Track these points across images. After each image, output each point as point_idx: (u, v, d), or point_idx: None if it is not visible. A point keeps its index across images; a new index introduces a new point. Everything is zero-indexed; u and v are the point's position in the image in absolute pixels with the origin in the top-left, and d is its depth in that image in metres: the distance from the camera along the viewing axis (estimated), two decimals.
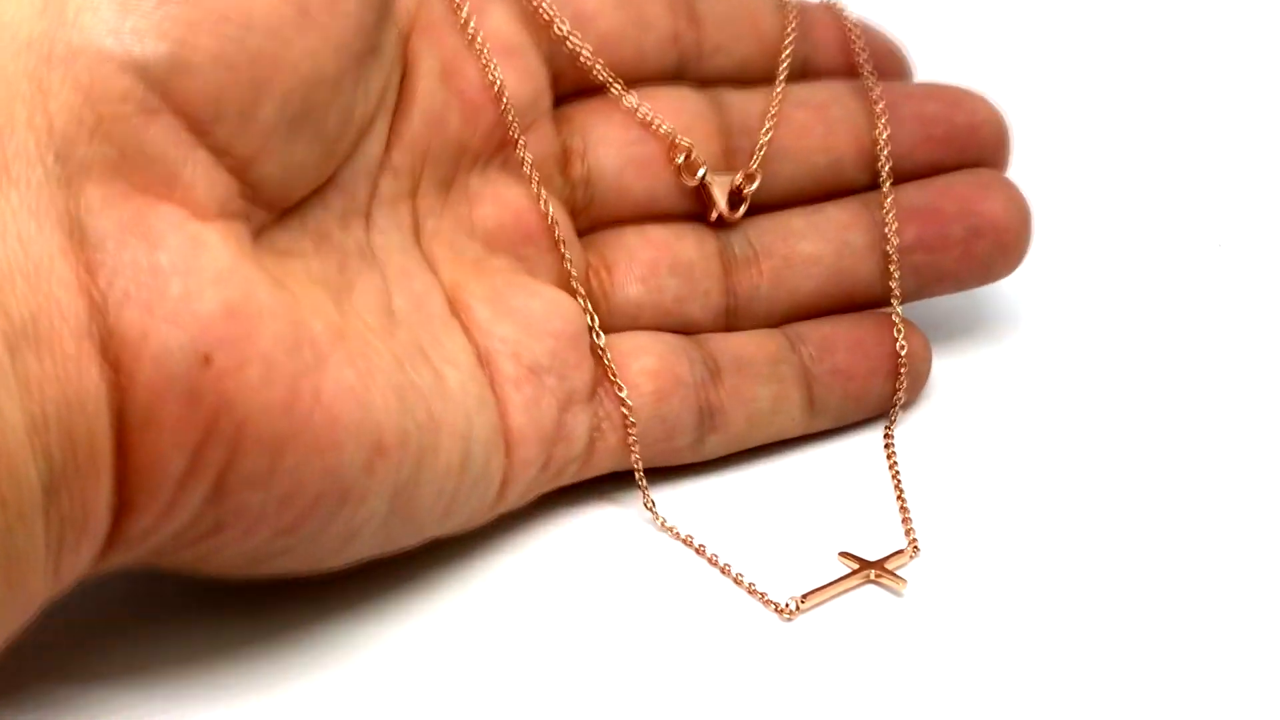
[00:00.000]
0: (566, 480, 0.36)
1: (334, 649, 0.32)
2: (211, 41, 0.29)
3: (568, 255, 0.37)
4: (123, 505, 0.28)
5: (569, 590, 0.34)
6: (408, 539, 0.33)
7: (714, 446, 0.38)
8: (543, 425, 0.35)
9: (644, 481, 0.36)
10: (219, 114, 0.29)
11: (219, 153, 0.30)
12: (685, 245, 0.38)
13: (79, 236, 0.27)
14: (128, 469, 0.28)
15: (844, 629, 0.33)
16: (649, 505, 0.36)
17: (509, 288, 0.36)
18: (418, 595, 0.34)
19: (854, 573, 0.34)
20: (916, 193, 0.40)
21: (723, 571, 0.35)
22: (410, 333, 0.33)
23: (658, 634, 0.33)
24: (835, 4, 0.42)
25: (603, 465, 0.37)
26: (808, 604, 0.34)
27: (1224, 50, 0.56)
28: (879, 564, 0.34)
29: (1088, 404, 0.40)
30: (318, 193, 0.33)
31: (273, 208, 0.31)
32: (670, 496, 0.37)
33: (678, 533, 0.36)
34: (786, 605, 0.34)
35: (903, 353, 0.39)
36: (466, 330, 0.34)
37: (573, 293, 0.36)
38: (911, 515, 0.36)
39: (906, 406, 0.39)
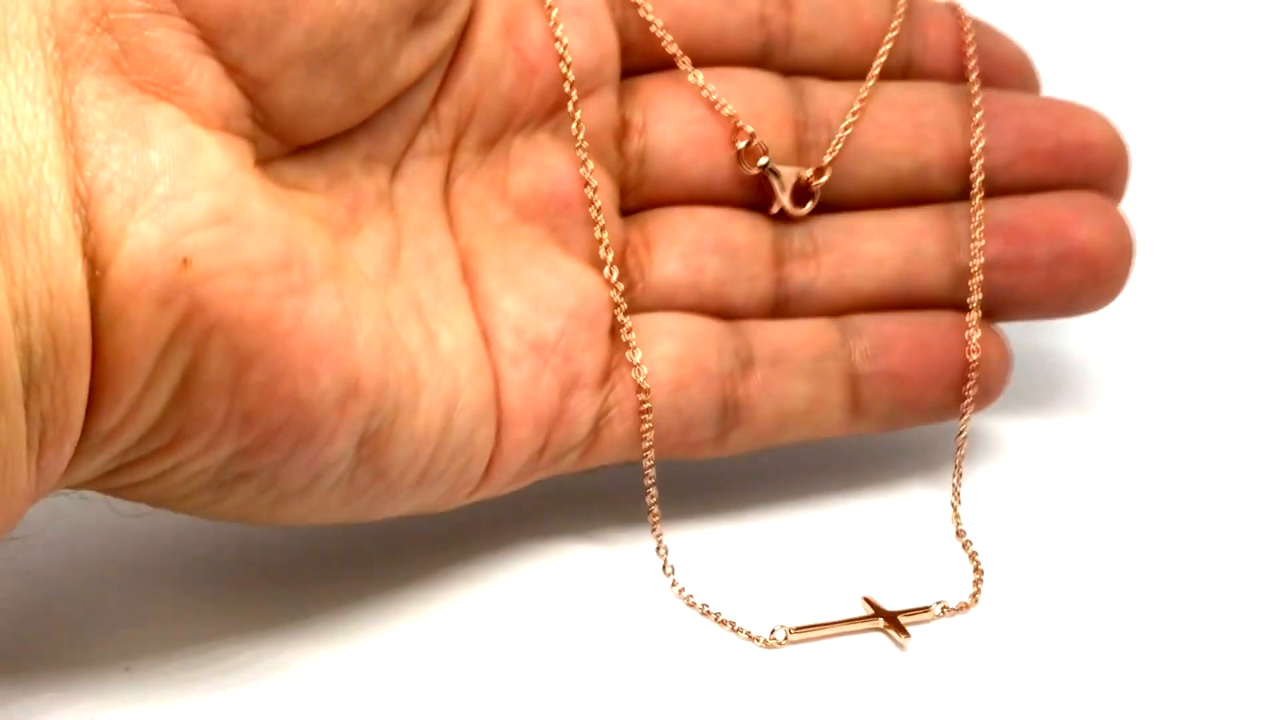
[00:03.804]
0: (565, 468, 0.35)
1: (289, 684, 0.32)
2: None
3: (602, 227, 0.35)
4: (91, 403, 0.28)
5: (545, 625, 0.34)
6: (377, 502, 0.32)
7: (738, 442, 0.36)
8: (540, 406, 0.33)
9: (652, 477, 0.35)
10: (235, 28, 0.29)
11: (230, 68, 0.29)
12: (735, 228, 0.36)
13: (70, 125, 0.27)
14: (98, 366, 0.27)
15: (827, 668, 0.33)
16: (660, 553, 0.35)
17: (528, 259, 0.34)
18: (383, 634, 0.33)
19: (860, 618, 0.34)
20: (1004, 208, 0.37)
21: (702, 611, 0.34)
22: (409, 289, 0.32)
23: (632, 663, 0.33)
24: (958, 4, 0.39)
25: (608, 455, 0.35)
26: (795, 638, 0.33)
27: None
28: (892, 615, 0.33)
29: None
30: (344, 133, 0.32)
31: (285, 140, 0.31)
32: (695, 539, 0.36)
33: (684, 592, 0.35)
34: (772, 634, 0.33)
35: (974, 358, 0.36)
36: (472, 299, 0.33)
37: (601, 269, 0.35)
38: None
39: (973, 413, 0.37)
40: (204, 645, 0.32)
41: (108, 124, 0.27)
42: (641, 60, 0.36)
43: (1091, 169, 0.37)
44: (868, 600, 0.34)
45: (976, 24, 0.39)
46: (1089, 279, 0.37)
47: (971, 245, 0.37)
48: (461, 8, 0.33)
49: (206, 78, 0.29)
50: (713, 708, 0.31)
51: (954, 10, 0.39)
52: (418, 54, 0.32)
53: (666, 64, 0.36)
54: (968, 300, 0.37)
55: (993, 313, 0.37)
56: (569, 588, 0.34)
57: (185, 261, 0.27)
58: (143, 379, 0.28)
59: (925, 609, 0.33)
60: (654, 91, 0.36)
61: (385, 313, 0.31)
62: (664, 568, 0.35)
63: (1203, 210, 0.48)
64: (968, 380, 0.37)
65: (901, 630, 0.33)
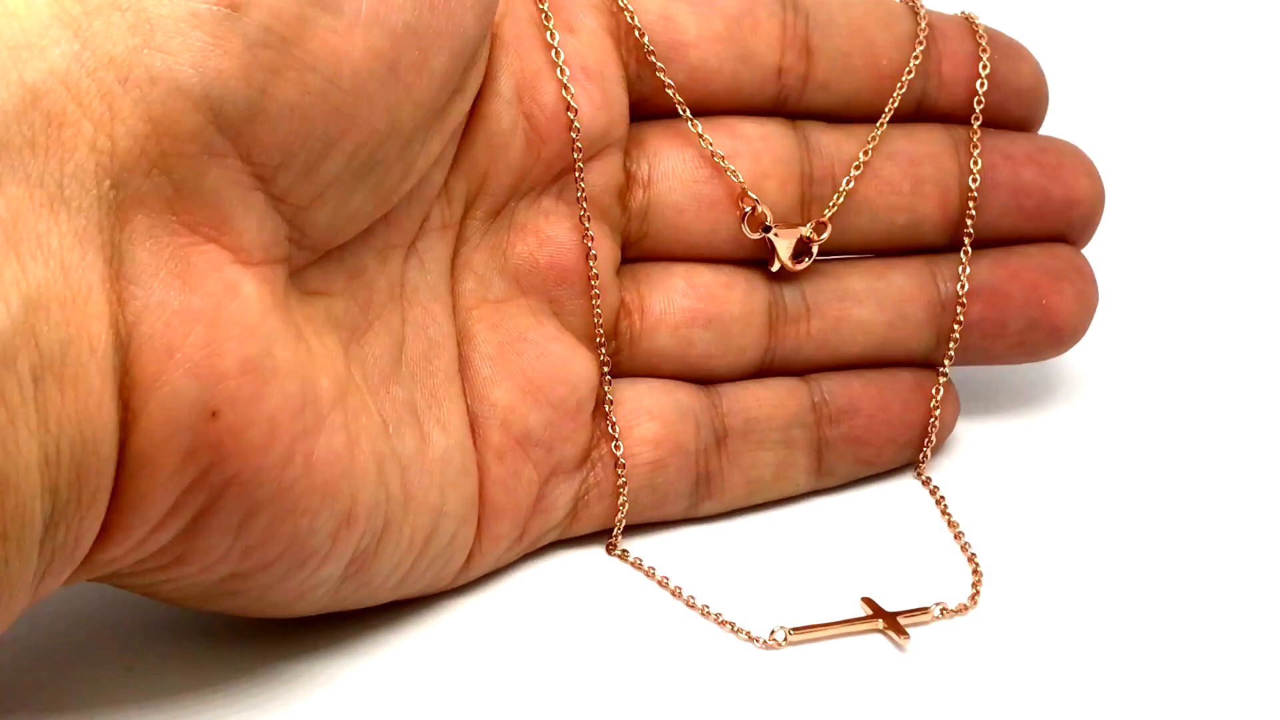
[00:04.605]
0: (542, 544, 0.36)
1: (289, 684, 0.32)
2: (293, 92, 0.28)
3: (597, 305, 0.35)
4: (100, 536, 0.28)
5: (542, 632, 0.34)
6: (359, 602, 0.33)
7: (709, 509, 0.37)
8: (520, 499, 0.34)
9: (618, 537, 0.36)
10: (285, 163, 0.29)
11: (276, 199, 0.29)
12: (731, 296, 0.37)
13: (117, 266, 0.27)
14: (114, 505, 0.27)
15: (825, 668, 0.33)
16: (616, 551, 0.36)
17: (520, 341, 0.34)
18: (382, 636, 0.34)
19: (859, 619, 0.34)
20: (987, 269, 0.39)
21: (702, 612, 0.35)
22: (409, 389, 0.33)
23: (635, 670, 0.33)
24: (975, 22, 0.39)
25: (585, 530, 0.36)
26: (795, 638, 0.33)
27: None
28: (891, 615, 0.34)
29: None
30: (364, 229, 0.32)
31: (316, 250, 0.31)
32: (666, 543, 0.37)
33: (653, 573, 0.36)
34: (772, 634, 0.33)
35: (935, 415, 0.38)
36: (464, 389, 0.34)
37: (593, 346, 0.35)
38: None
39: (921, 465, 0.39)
40: (205, 646, 0.33)
41: (153, 266, 0.27)
42: (650, 111, 0.36)
43: (1070, 224, 0.39)
44: (867, 601, 0.34)
45: (995, 44, 0.39)
46: (1053, 341, 0.39)
47: (958, 307, 0.38)
48: (477, 79, 0.32)
49: (253, 215, 0.28)
50: (712, 708, 0.32)
51: (968, 35, 0.39)
52: (437, 137, 0.32)
53: (674, 112, 0.36)
54: (944, 360, 0.38)
55: (959, 362, 0.39)
56: (569, 588, 0.35)
57: (214, 414, 0.27)
58: (155, 520, 0.28)
59: (924, 610, 0.34)
60: (660, 144, 0.36)
61: (383, 426, 0.31)
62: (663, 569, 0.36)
63: (1174, 208, 0.51)
64: (926, 437, 0.38)
65: (901, 631, 0.33)
